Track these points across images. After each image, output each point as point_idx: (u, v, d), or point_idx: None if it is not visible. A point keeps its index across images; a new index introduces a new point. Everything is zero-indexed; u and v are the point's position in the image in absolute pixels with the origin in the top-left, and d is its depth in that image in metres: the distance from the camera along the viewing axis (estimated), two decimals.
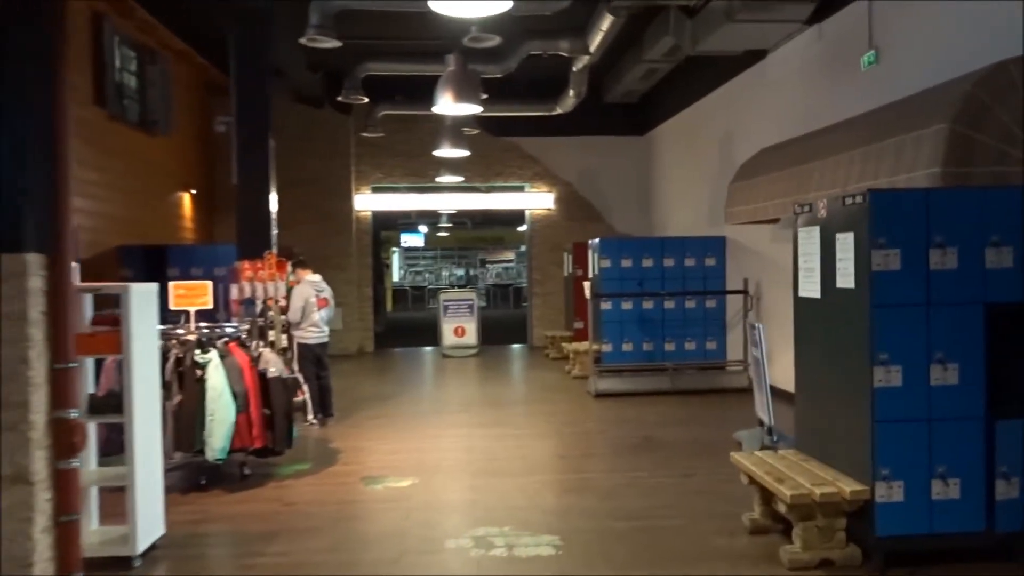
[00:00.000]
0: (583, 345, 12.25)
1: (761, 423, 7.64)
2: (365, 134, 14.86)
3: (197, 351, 6.21)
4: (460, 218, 33.84)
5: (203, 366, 6.13)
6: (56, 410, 3.63)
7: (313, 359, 8.72)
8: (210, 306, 6.56)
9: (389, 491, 6.23)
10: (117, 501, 4.87)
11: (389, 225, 32.49)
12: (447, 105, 7.79)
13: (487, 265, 42.81)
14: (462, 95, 7.58)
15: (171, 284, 6.55)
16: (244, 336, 6.69)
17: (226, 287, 9.57)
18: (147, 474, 4.88)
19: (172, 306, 6.52)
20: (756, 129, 10.42)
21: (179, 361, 6.16)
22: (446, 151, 11.18)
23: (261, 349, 6.58)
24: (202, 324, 6.70)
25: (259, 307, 9.49)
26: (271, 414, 6.42)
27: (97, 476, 5.01)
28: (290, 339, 9.14)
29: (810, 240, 5.05)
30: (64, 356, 3.66)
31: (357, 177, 15.94)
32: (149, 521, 4.91)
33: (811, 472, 4.82)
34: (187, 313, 6.52)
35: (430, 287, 33.02)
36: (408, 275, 41.04)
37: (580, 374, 11.93)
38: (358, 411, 9.53)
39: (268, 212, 9.99)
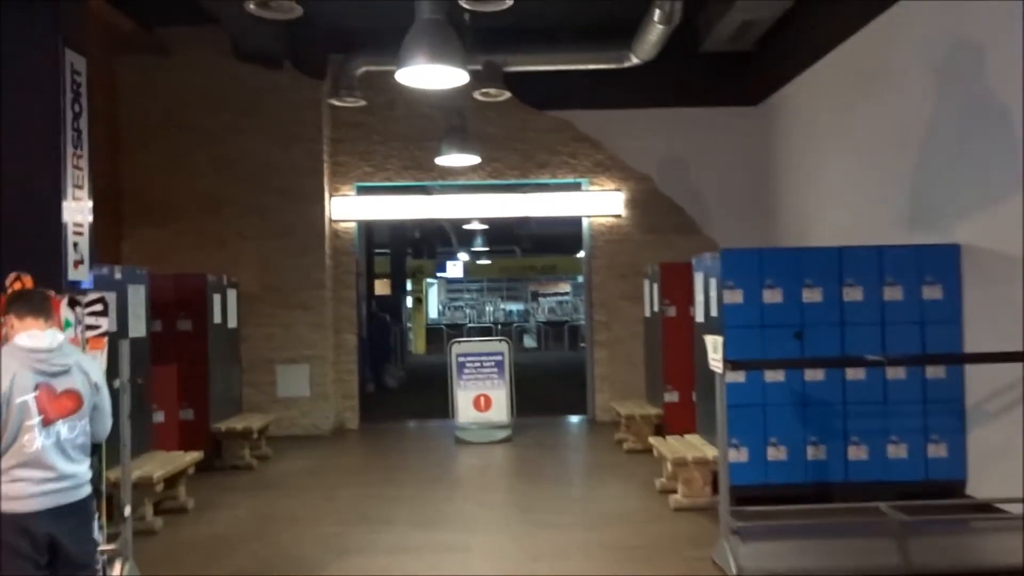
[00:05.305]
0: (691, 447, 6.77)
1: None
2: (335, 101, 9.72)
3: None
4: (506, 245, 28.86)
5: None
6: None
7: (28, 548, 3.31)
8: None
9: None
10: None
11: (420, 252, 27.64)
12: None
13: (539, 299, 37.70)
14: None
15: None
16: None
17: None
18: None
19: None
20: None
21: None
22: (416, 66, 5.72)
23: None
24: None
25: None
26: None
27: None
28: None
29: None
30: None
31: (333, 172, 10.82)
32: None
33: None
34: None
35: (469, 324, 27.77)
36: (448, 311, 35.95)
37: (688, 503, 6.46)
38: None
39: (57, 207, 4.85)
